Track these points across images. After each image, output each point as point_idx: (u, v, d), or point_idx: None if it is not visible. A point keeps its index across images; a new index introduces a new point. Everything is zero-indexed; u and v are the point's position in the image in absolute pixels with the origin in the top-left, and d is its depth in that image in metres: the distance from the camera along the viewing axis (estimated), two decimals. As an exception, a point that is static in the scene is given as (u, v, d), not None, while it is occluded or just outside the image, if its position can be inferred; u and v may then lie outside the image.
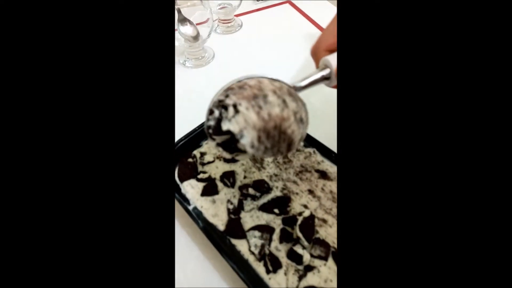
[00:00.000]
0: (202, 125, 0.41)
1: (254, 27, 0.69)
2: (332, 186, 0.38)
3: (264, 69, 0.58)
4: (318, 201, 0.36)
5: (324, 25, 0.68)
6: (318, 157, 0.40)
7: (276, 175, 0.38)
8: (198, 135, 0.41)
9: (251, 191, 0.35)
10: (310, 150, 0.40)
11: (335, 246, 0.33)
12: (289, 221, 0.34)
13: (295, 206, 0.36)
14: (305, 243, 0.32)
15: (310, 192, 0.37)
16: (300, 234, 0.32)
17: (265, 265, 0.31)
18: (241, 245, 0.33)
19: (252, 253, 0.32)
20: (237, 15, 0.70)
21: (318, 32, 0.66)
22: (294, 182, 0.38)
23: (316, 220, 0.35)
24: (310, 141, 0.41)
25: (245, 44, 0.64)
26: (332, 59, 0.26)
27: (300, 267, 0.31)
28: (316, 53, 0.28)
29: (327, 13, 0.71)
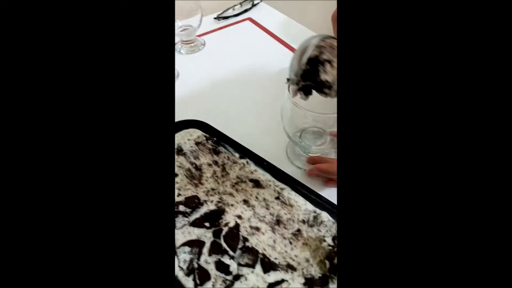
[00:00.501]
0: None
1: (217, 45, 0.71)
2: (265, 194, 0.38)
3: (230, 83, 0.60)
4: (252, 210, 0.37)
5: (285, 38, 0.70)
6: (252, 166, 0.41)
7: (213, 189, 0.40)
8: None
9: (181, 208, 0.37)
10: (244, 161, 0.41)
11: (265, 253, 0.34)
12: (218, 233, 0.35)
13: (228, 218, 0.37)
14: (231, 253, 0.33)
15: (245, 202, 0.38)
16: (224, 245, 0.33)
17: (194, 279, 0.33)
18: (173, 262, 0.34)
19: (181, 268, 0.33)
20: (199, 35, 0.73)
21: (280, 46, 0.68)
22: (230, 194, 0.39)
23: (249, 229, 0.35)
24: (244, 152, 0.42)
25: (210, 62, 0.66)
26: None
27: (229, 277, 0.32)
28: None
29: (286, 27, 0.73)
